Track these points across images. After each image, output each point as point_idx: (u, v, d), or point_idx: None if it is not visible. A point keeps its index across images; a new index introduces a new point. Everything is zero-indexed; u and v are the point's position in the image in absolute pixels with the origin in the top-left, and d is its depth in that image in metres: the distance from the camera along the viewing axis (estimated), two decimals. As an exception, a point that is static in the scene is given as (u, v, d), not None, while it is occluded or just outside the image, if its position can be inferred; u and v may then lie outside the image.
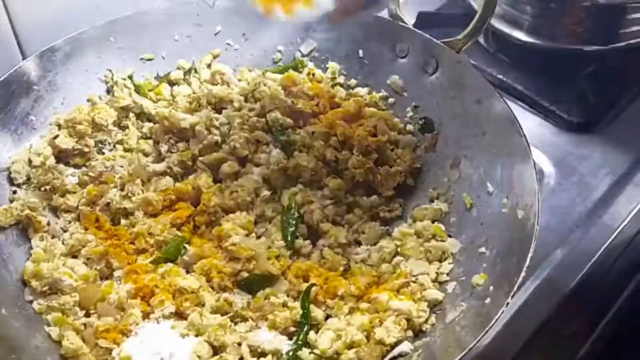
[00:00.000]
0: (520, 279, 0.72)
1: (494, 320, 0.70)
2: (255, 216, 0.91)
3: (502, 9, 1.15)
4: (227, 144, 0.96)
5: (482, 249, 0.82)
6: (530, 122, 1.11)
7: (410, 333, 0.78)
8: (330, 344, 0.77)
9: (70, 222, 0.91)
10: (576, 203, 1.00)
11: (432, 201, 0.93)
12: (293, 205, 0.91)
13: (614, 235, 0.96)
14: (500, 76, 1.16)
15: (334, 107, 1.01)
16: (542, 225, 0.77)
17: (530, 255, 0.74)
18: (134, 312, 0.80)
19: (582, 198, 1.01)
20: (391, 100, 1.03)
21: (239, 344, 0.78)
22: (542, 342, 0.86)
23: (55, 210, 0.92)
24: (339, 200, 0.93)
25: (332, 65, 1.05)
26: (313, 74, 1.04)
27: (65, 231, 0.91)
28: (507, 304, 0.70)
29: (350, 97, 1.03)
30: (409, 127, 1.00)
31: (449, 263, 0.84)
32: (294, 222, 0.90)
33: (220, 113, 1.00)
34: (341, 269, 0.86)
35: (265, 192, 0.93)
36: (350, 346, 0.76)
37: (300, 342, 0.78)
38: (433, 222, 0.89)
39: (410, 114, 1.00)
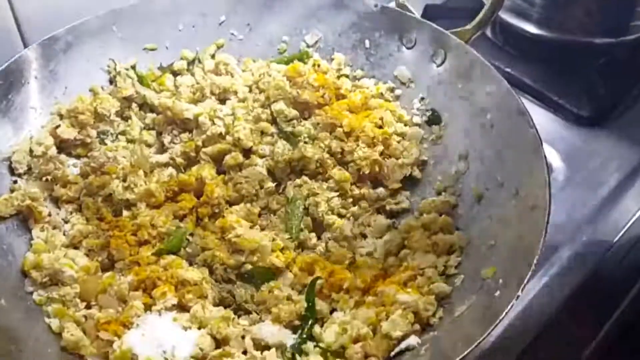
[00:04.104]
0: (531, 272, 0.71)
1: (503, 314, 0.68)
2: (259, 208, 0.91)
3: (510, 1, 1.15)
4: (231, 135, 0.95)
5: (491, 242, 0.81)
6: (538, 116, 1.08)
7: (417, 327, 0.76)
8: (335, 338, 0.76)
9: (71, 213, 0.91)
10: (585, 198, 0.99)
11: (439, 194, 0.92)
12: (298, 197, 0.90)
13: (623, 231, 0.96)
14: (508, 69, 1.15)
15: (340, 98, 1.00)
16: (551, 220, 0.76)
17: (540, 248, 0.73)
18: (136, 304, 0.79)
19: (591, 193, 1.00)
20: (398, 91, 1.02)
21: (243, 337, 0.77)
22: (548, 339, 0.86)
23: (56, 201, 0.92)
24: (345, 192, 0.92)
25: (338, 57, 1.04)
26: (318, 65, 1.03)
27: (66, 222, 0.90)
28: (518, 297, 0.69)
29: (356, 88, 1.02)
30: (416, 119, 0.99)
31: (457, 256, 0.83)
32: (298, 214, 0.89)
33: (224, 104, 1.00)
34: (346, 262, 0.86)
35: (270, 184, 0.92)
36: (356, 340, 0.75)
37: (304, 336, 0.77)
38: (440, 214, 0.88)
39: (417, 105, 0.99)
